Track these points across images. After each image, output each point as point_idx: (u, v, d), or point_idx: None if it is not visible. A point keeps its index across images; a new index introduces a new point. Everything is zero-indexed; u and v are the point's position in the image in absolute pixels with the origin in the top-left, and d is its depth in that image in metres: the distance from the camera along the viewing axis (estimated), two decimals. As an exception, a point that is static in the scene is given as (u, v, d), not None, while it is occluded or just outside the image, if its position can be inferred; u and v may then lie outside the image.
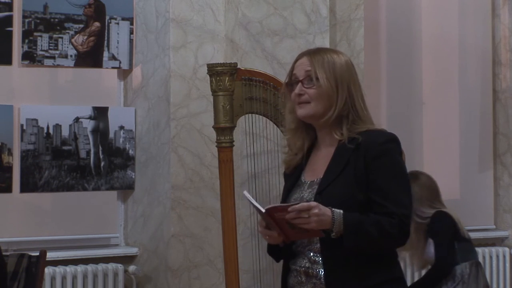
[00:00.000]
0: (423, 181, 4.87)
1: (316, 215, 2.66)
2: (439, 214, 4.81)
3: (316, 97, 2.83)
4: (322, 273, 2.78)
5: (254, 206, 2.71)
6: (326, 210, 2.69)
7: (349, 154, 2.80)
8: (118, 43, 5.11)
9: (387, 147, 2.82)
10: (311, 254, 2.81)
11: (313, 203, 2.67)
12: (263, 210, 2.67)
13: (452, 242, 4.76)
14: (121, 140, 5.11)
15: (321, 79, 2.82)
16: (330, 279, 2.76)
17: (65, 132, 4.96)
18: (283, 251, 2.90)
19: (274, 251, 2.93)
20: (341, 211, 2.70)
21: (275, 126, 4.27)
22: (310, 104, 2.84)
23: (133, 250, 5.10)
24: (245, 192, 2.79)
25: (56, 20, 4.94)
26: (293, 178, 2.93)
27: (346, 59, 2.91)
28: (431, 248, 4.74)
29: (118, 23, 5.11)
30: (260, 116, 4.27)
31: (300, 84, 2.85)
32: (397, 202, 2.75)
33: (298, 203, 2.67)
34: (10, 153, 4.80)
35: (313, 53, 2.89)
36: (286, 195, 2.92)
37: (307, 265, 2.82)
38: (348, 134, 2.82)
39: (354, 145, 2.80)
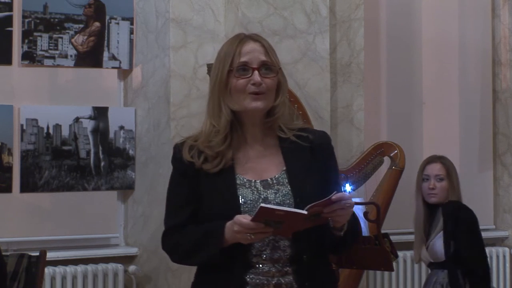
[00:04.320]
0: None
1: (353, 205, 2.54)
2: (456, 204, 4.76)
3: (272, 89, 2.64)
4: (295, 285, 2.62)
5: (280, 212, 2.46)
6: None
7: (306, 152, 2.67)
8: (118, 43, 5.11)
9: (332, 147, 2.76)
10: (279, 265, 2.61)
11: (348, 194, 2.54)
12: (305, 212, 2.45)
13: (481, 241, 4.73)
14: (121, 140, 5.11)
15: (277, 69, 2.66)
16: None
17: (65, 132, 4.96)
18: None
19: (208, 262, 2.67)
20: None
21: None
22: (266, 95, 2.63)
23: (133, 250, 5.10)
24: (263, 204, 2.46)
25: (56, 20, 4.94)
26: (223, 177, 2.65)
27: None
28: (439, 241, 4.68)
29: (118, 23, 5.11)
30: (260, 116, 4.26)
31: (257, 72, 2.62)
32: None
33: (333, 195, 2.49)
34: (10, 153, 4.80)
35: (260, 38, 2.70)
36: (229, 194, 2.62)
37: (276, 277, 2.61)
38: (290, 131, 2.68)
39: (307, 143, 2.68)
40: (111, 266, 4.96)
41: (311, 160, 2.67)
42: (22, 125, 4.83)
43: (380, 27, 6.05)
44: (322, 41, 5.06)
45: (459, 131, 6.38)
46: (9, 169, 4.80)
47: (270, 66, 2.65)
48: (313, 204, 2.47)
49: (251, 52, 2.65)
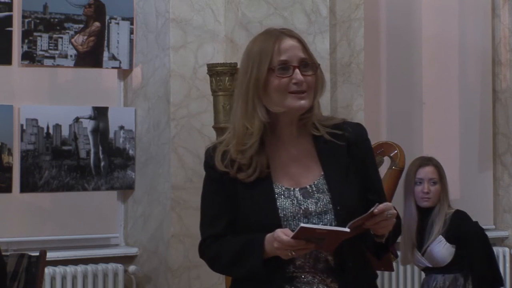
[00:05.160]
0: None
1: (395, 215, 2.46)
2: (464, 214, 4.77)
3: (312, 86, 2.54)
4: None
5: (322, 230, 2.38)
6: None
7: (343, 153, 2.57)
8: (118, 43, 5.11)
9: (369, 141, 2.66)
10: (323, 275, 2.54)
11: (390, 204, 2.44)
12: (348, 230, 2.38)
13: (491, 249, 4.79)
14: (121, 140, 5.11)
15: (317, 66, 2.57)
16: None
17: (65, 132, 4.96)
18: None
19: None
20: None
21: (275, 126, 4.27)
22: (307, 93, 2.54)
23: (133, 250, 5.10)
24: (303, 225, 2.37)
25: (56, 20, 4.94)
26: (261, 187, 2.54)
27: None
28: (438, 247, 4.68)
29: (118, 23, 5.11)
30: (260, 116, 4.26)
31: (298, 70, 2.52)
32: (386, 199, 2.63)
33: (375, 208, 2.42)
34: (10, 153, 4.80)
35: (295, 34, 2.58)
36: (268, 207, 2.52)
37: (320, 286, 2.54)
38: (323, 128, 2.59)
39: (343, 141, 2.58)
40: (111, 266, 4.95)
41: (349, 161, 2.58)
42: (22, 125, 4.83)
43: (380, 27, 6.05)
44: (322, 41, 5.06)
45: (459, 131, 6.38)
46: (9, 169, 4.80)
47: (309, 63, 2.56)
48: (355, 220, 2.40)
49: (290, 50, 2.54)
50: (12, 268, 3.80)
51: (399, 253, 4.88)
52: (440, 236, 4.65)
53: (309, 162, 2.58)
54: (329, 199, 2.53)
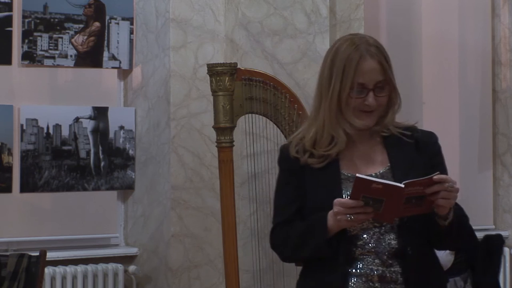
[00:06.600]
0: None
1: (457, 190, 2.58)
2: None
3: (383, 105, 2.78)
4: (401, 278, 2.64)
5: (378, 185, 2.47)
6: None
7: (411, 148, 2.76)
8: (118, 43, 5.11)
9: (439, 145, 2.84)
10: (384, 257, 2.65)
11: (450, 177, 2.60)
12: (402, 185, 2.47)
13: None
14: (121, 140, 5.11)
15: (393, 87, 2.79)
16: (410, 282, 2.65)
17: (65, 132, 4.96)
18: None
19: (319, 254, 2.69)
20: None
21: (275, 126, 4.28)
22: (375, 112, 2.77)
23: (133, 250, 5.11)
24: (358, 175, 2.54)
25: (56, 20, 4.94)
26: (328, 172, 2.72)
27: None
28: (438, 253, 4.67)
29: (118, 23, 5.11)
30: (260, 116, 4.28)
31: (372, 93, 2.74)
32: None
33: (435, 174, 2.54)
34: (10, 153, 4.80)
35: (380, 54, 2.81)
36: (334, 189, 2.68)
37: (381, 268, 2.65)
38: (395, 129, 2.81)
39: (412, 139, 2.77)
40: (111, 266, 4.96)
41: (416, 156, 2.73)
42: (22, 125, 4.83)
43: (380, 27, 6.05)
44: (322, 41, 5.06)
45: (459, 131, 6.38)
46: (9, 169, 4.80)
47: (383, 85, 2.75)
48: (412, 180, 2.49)
49: (370, 73, 2.74)
50: (12, 268, 3.80)
51: None
52: None
53: (376, 156, 2.76)
54: None
